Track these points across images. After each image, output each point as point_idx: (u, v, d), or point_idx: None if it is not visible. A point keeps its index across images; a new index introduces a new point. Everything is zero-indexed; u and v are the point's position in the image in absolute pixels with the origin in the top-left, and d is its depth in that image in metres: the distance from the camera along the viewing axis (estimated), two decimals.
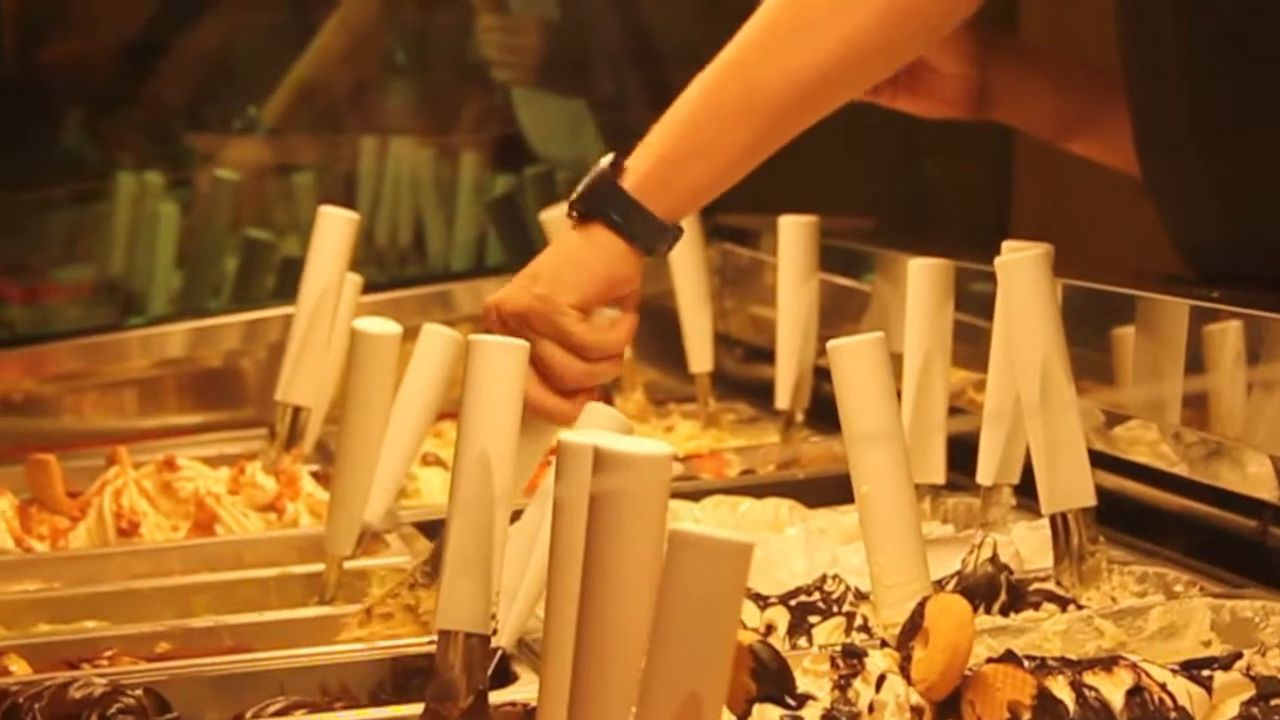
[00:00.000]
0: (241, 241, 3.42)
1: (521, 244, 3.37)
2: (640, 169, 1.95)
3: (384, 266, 3.49)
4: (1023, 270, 1.85)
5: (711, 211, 3.04)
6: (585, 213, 1.96)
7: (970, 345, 2.18)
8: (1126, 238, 2.53)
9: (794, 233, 2.65)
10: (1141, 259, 2.44)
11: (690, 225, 2.88)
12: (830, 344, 1.78)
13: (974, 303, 2.19)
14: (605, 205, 1.94)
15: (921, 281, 2.15)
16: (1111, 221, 2.89)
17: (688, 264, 2.90)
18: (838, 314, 2.67)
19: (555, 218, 3.06)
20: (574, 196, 1.97)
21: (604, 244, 1.95)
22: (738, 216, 3.17)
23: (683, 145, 1.96)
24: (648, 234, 1.95)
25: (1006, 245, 1.96)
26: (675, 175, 1.96)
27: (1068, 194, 3.55)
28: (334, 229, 2.53)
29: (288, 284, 2.88)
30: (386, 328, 2.02)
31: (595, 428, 1.69)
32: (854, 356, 1.77)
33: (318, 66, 3.53)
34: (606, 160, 1.96)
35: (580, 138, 3.53)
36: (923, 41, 2.05)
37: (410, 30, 3.69)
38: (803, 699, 1.46)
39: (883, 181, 3.71)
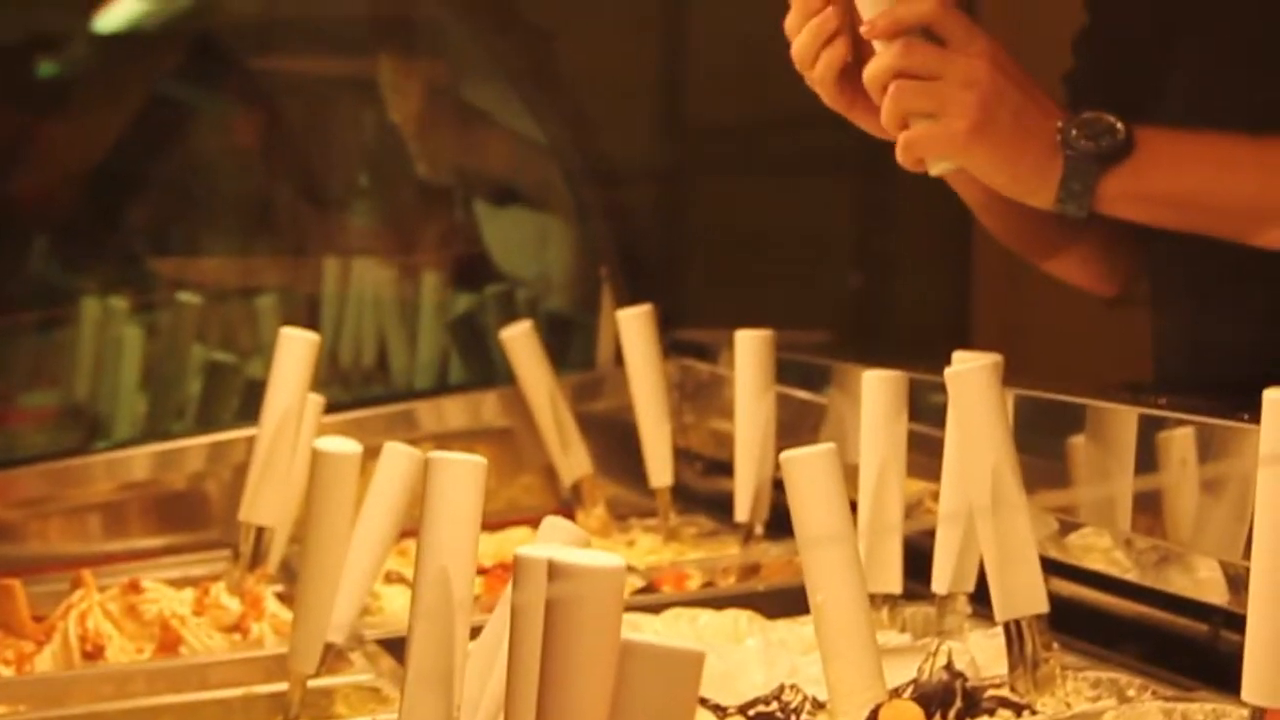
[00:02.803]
0: (205, 364, 3.44)
1: (483, 362, 3.40)
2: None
3: (348, 386, 3.52)
4: (971, 381, 1.88)
5: (670, 327, 3.09)
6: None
7: (927, 456, 2.21)
8: (1089, 347, 2.56)
9: (750, 346, 2.69)
10: (1105, 368, 2.47)
11: (649, 341, 2.93)
12: (783, 455, 1.81)
13: (932, 414, 2.22)
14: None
15: (874, 393, 2.18)
16: (1073, 331, 2.93)
17: (646, 379, 2.94)
18: (796, 427, 2.70)
19: (515, 336, 3.10)
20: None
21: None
22: (696, 331, 3.21)
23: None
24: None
25: (957, 356, 1.99)
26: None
27: (1028, 303, 3.59)
28: (295, 350, 2.55)
29: (251, 405, 2.90)
30: (346, 447, 2.04)
31: (553, 542, 1.71)
32: (806, 467, 1.79)
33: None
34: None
35: (545, 254, 3.57)
36: None
37: (373, 151, 3.73)
38: None
39: (842, 293, 3.75)
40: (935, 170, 2.05)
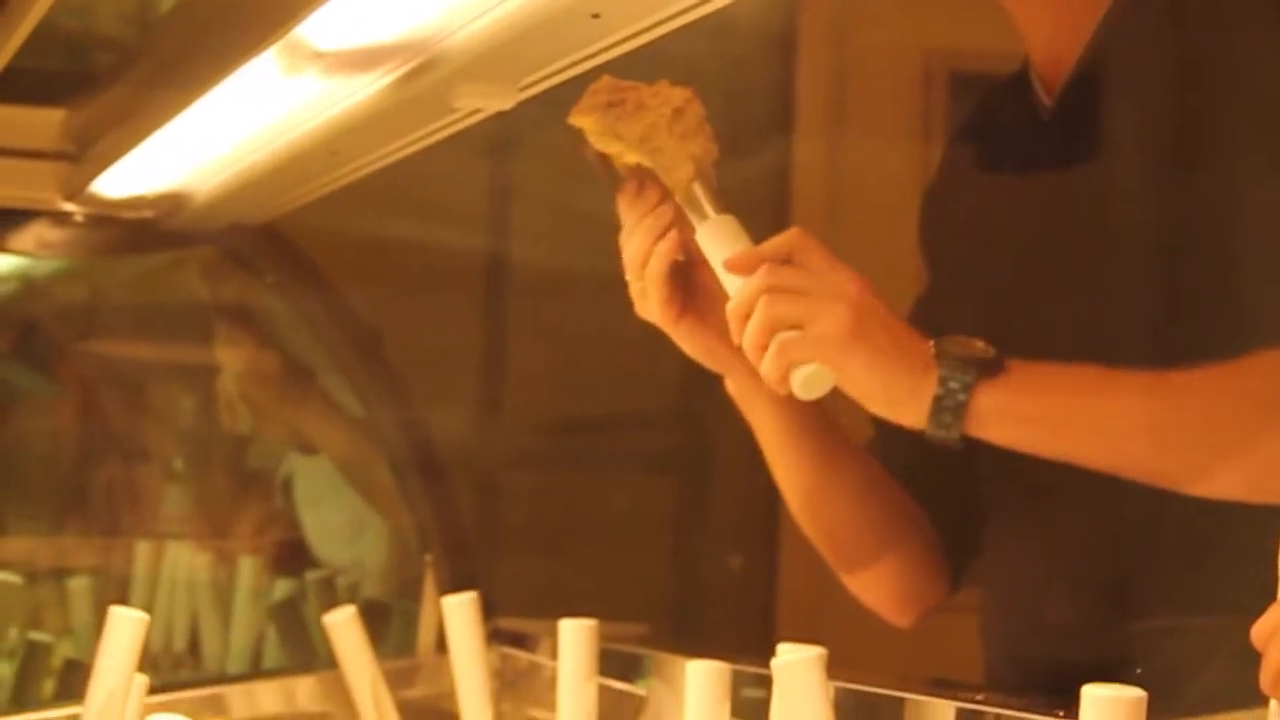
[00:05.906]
0: (21, 643, 3.42)
1: (304, 648, 3.41)
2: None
3: (158, 670, 3.51)
4: (798, 673, 1.94)
5: (492, 615, 3.12)
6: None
7: None
8: (893, 635, 2.62)
9: (573, 636, 2.73)
10: (907, 660, 2.53)
11: (473, 629, 2.96)
12: None
13: (743, 708, 2.27)
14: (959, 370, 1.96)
15: (698, 684, 2.23)
16: (876, 626, 2.99)
17: (470, 667, 2.96)
18: (616, 717, 2.73)
19: (339, 621, 3.12)
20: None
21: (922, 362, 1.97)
22: (518, 620, 3.25)
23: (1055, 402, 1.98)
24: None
25: (782, 647, 2.05)
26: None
27: (834, 590, 3.67)
28: (124, 629, 2.56)
29: (66, 686, 2.89)
30: None
31: None
32: None
33: None
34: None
35: (361, 541, 3.61)
36: None
37: (191, 436, 3.77)
38: None
39: (657, 585, 3.81)
40: (802, 385, 1.97)
